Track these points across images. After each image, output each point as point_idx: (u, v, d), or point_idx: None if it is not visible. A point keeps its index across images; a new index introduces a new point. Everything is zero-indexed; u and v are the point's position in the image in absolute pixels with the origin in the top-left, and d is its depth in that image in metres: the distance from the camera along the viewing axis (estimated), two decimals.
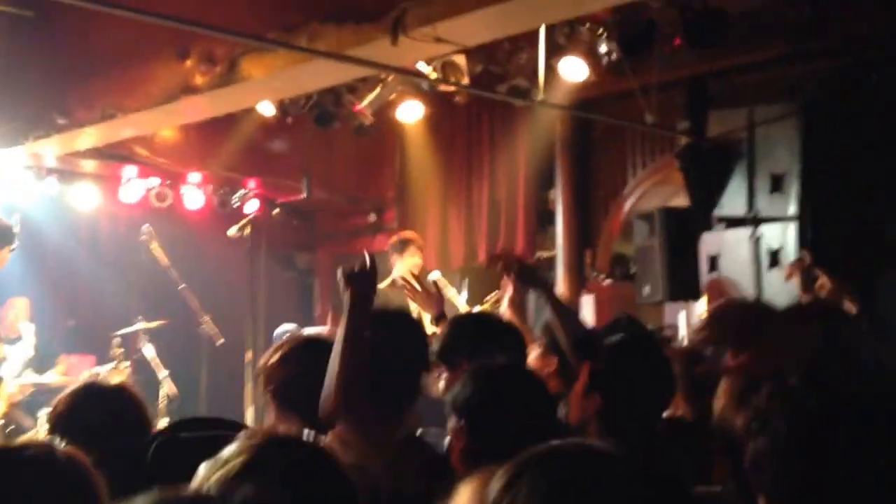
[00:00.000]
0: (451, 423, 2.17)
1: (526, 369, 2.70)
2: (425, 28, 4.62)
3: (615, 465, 1.12)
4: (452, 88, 6.62)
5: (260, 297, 7.95)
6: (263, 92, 5.75)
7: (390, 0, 4.62)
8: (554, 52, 5.86)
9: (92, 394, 2.61)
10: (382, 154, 8.10)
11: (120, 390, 2.68)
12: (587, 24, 5.82)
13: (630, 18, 5.77)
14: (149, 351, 6.62)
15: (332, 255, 8.78)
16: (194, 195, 7.98)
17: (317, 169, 8.02)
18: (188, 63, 5.39)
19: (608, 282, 6.85)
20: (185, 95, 5.49)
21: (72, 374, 6.64)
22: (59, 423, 2.51)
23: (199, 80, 5.39)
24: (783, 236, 5.41)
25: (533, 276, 3.38)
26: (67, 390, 2.61)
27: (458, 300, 6.58)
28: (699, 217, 5.97)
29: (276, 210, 7.94)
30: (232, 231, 6.86)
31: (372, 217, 8.42)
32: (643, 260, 6.18)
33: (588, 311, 6.61)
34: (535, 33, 5.59)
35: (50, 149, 6.75)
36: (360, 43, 4.81)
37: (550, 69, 5.84)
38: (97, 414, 2.52)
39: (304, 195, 7.97)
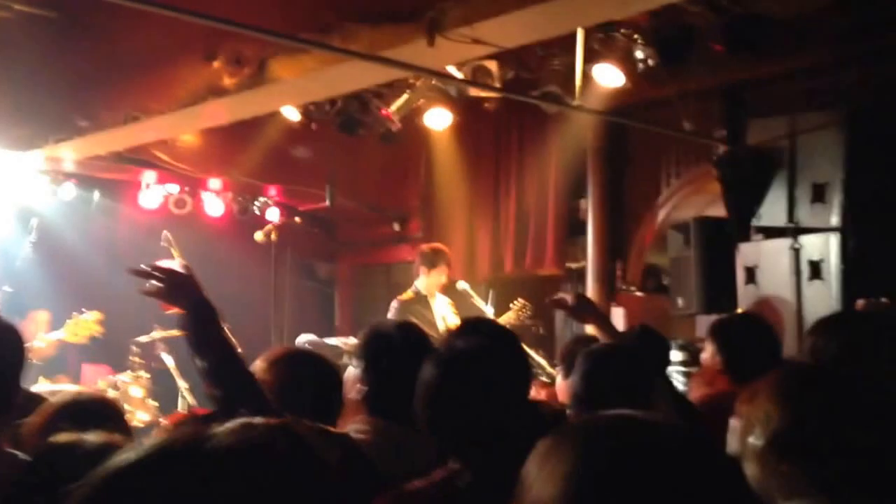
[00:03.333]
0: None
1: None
2: (463, 29, 4.47)
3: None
4: (482, 94, 6.47)
5: (281, 306, 7.79)
6: (293, 94, 5.60)
7: (427, 0, 4.47)
8: (588, 57, 5.71)
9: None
10: (407, 162, 7.94)
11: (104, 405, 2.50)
12: (623, 30, 5.67)
13: (668, 24, 5.62)
14: (169, 360, 6.46)
15: (354, 265, 8.64)
16: (214, 202, 7.83)
17: (340, 177, 7.87)
18: (215, 65, 5.24)
19: (640, 294, 6.67)
20: (212, 98, 5.34)
21: (87, 382, 6.49)
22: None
23: (226, 81, 5.25)
24: (825, 247, 5.25)
25: (587, 309, 3.29)
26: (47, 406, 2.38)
27: (486, 310, 6.42)
28: (736, 227, 5.81)
29: (298, 218, 7.79)
30: (258, 236, 6.70)
31: (395, 226, 8.26)
32: (677, 271, 6.01)
33: (618, 324, 6.42)
34: (569, 39, 5.44)
35: (69, 153, 6.62)
36: (395, 44, 4.67)
37: (584, 75, 5.69)
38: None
39: (326, 203, 7.81)
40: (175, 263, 2.51)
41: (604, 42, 5.78)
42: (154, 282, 2.31)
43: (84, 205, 7.33)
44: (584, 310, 3.23)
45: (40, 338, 5.57)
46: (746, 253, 5.66)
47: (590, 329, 3.30)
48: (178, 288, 2.33)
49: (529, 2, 4.19)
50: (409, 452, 2.33)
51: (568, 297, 3.27)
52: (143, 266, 2.35)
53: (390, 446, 2.39)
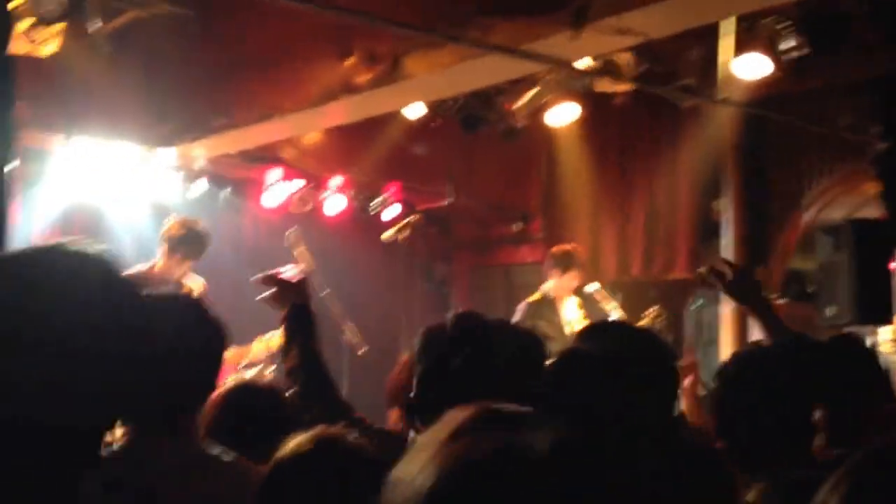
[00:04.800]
0: None
1: None
2: (609, 19, 4.27)
3: None
4: (610, 89, 6.24)
5: (400, 303, 7.74)
6: (426, 90, 5.51)
7: None
8: (729, 47, 5.42)
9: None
10: (529, 160, 7.76)
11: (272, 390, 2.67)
12: (770, 17, 5.35)
13: (819, 11, 5.28)
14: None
15: (471, 266, 8.51)
16: (335, 199, 7.83)
17: (459, 174, 7.75)
18: (349, 62, 5.19)
19: (783, 301, 6.30)
20: (345, 95, 5.29)
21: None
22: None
23: (359, 79, 5.19)
24: None
25: (749, 289, 2.93)
26: (220, 389, 2.53)
27: (615, 315, 6.19)
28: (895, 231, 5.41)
29: (417, 216, 7.70)
30: (387, 234, 6.66)
31: (516, 226, 8.08)
32: (827, 278, 5.62)
33: (757, 333, 6.09)
34: (706, 28, 5.16)
35: (202, 150, 6.71)
36: (535, 37, 4.51)
37: (725, 66, 5.40)
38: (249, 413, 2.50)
39: (446, 201, 7.70)
40: (292, 269, 2.69)
41: (748, 30, 5.49)
42: (268, 291, 2.54)
43: (212, 202, 7.41)
44: (745, 288, 2.80)
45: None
46: None
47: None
48: (286, 294, 2.53)
49: None
50: None
51: (727, 269, 2.83)
52: (260, 275, 2.59)
53: None
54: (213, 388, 2.02)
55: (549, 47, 4.57)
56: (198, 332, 1.92)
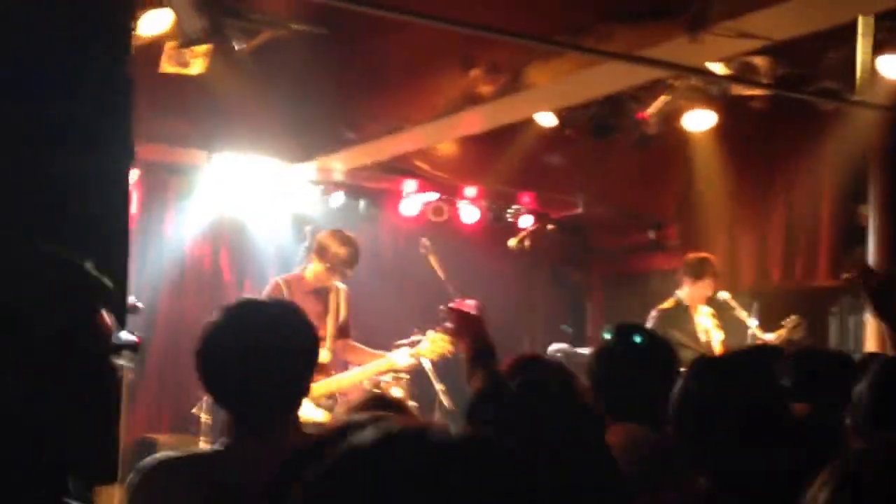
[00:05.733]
0: None
1: None
2: (729, 22, 4.19)
3: None
4: (748, 93, 6.06)
5: (535, 313, 7.78)
6: (548, 99, 5.56)
7: None
8: (873, 47, 5.16)
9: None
10: (664, 167, 7.62)
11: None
12: None
13: None
14: (426, 363, 6.62)
15: (606, 274, 8.44)
16: (470, 209, 7.97)
17: (593, 183, 7.72)
18: (472, 73, 5.31)
19: None
20: (470, 106, 5.42)
21: None
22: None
23: (483, 89, 5.30)
24: None
25: (889, 304, 2.80)
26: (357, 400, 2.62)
27: (749, 323, 6.00)
28: None
29: (551, 225, 7.73)
30: (512, 243, 6.73)
31: (651, 234, 7.96)
32: None
33: None
34: (847, 28, 4.93)
35: (338, 163, 7.01)
36: (654, 42, 4.47)
37: (868, 67, 5.14)
38: None
39: (579, 210, 7.69)
40: (470, 305, 3.08)
41: (892, 29, 5.21)
42: (449, 322, 2.94)
43: (351, 213, 7.72)
44: (887, 300, 2.71)
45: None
46: None
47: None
48: (466, 328, 2.85)
49: None
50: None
51: (872, 276, 2.77)
52: (442, 307, 3.05)
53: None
54: (307, 389, 2.02)
55: (670, 52, 4.52)
56: (292, 334, 1.97)
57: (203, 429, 5.94)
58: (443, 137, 6.69)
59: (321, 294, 5.50)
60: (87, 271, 1.21)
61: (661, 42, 4.43)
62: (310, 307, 5.26)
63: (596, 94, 5.61)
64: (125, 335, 1.22)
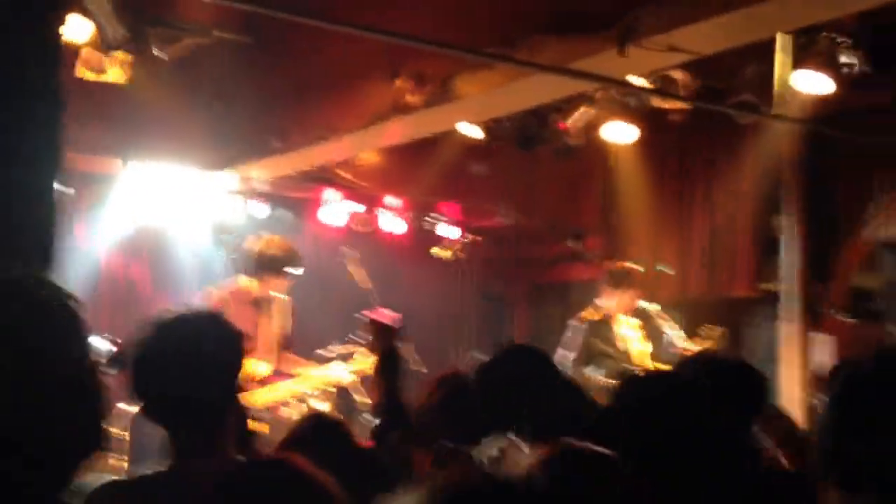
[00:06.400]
0: None
1: None
2: (658, 37, 4.25)
3: None
4: (667, 106, 6.17)
5: (459, 323, 7.75)
6: (476, 110, 5.55)
7: (620, 8, 4.28)
8: (787, 63, 5.32)
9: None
10: (586, 178, 7.72)
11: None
12: (828, 32, 5.23)
13: (880, 23, 5.15)
14: (349, 377, 6.52)
15: (529, 283, 8.48)
16: (393, 219, 7.91)
17: (516, 193, 7.76)
18: (399, 83, 5.26)
19: (851, 320, 6.12)
20: (396, 116, 5.36)
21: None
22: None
23: (410, 99, 5.25)
24: None
25: None
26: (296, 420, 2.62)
27: (675, 335, 6.09)
28: None
29: (475, 236, 7.73)
30: (443, 253, 6.69)
31: (572, 244, 8.03)
32: (894, 295, 5.47)
33: (824, 354, 5.93)
34: (764, 44, 5.08)
35: (262, 172, 6.86)
36: (583, 55, 4.51)
37: (784, 82, 5.30)
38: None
39: (502, 220, 7.71)
40: (387, 315, 3.15)
41: (806, 46, 5.38)
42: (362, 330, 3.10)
43: (273, 222, 7.56)
44: None
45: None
46: None
47: None
48: (379, 337, 2.95)
49: (733, 6, 3.92)
50: None
51: None
52: (359, 315, 3.16)
53: None
54: (233, 400, 2.01)
55: (599, 65, 4.56)
56: (222, 346, 1.94)
57: (115, 444, 5.67)
58: (368, 146, 6.62)
59: (260, 305, 5.36)
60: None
61: (590, 55, 4.47)
62: (248, 318, 5.14)
63: (524, 106, 5.63)
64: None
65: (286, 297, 5.52)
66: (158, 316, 1.96)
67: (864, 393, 1.81)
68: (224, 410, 1.96)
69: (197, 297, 5.36)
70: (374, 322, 2.99)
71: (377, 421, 2.93)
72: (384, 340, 2.94)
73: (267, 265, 5.32)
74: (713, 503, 1.89)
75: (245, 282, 5.39)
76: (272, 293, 5.50)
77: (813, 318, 6.27)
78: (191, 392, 1.88)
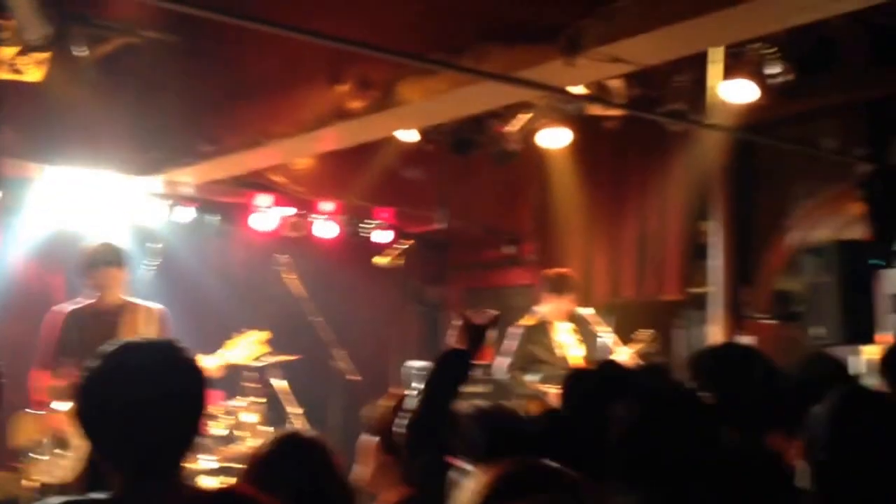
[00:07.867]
0: None
1: None
2: (602, 47, 4.31)
3: None
4: (601, 113, 6.29)
5: (394, 329, 7.71)
6: (420, 117, 5.53)
7: (566, 19, 4.33)
8: (716, 73, 5.48)
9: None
10: (522, 183, 7.78)
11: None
12: (756, 43, 5.42)
13: (806, 36, 5.35)
14: (281, 385, 6.41)
15: (466, 289, 8.50)
16: (327, 225, 7.82)
17: (453, 198, 7.76)
18: (341, 88, 5.20)
19: (771, 321, 6.35)
20: (337, 121, 5.30)
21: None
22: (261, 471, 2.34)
23: (352, 105, 5.20)
24: None
25: None
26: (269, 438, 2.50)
27: (607, 338, 6.20)
28: (880, 251, 5.47)
29: (411, 241, 7.71)
30: (382, 261, 6.64)
31: (508, 249, 8.09)
32: (814, 298, 5.68)
33: None
34: (695, 55, 5.22)
35: (189, 177, 6.68)
36: (529, 64, 4.54)
37: (713, 92, 5.46)
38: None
39: (438, 225, 7.71)
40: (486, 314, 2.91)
41: (734, 57, 5.55)
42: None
43: (200, 228, 7.37)
44: None
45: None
46: (891, 279, 5.34)
47: None
48: (474, 336, 2.83)
49: (676, 19, 4.01)
50: None
51: None
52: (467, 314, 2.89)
53: None
54: (197, 432, 1.86)
55: (544, 74, 4.60)
56: (175, 376, 1.82)
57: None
58: (306, 152, 6.52)
59: (110, 315, 5.11)
60: None
61: (536, 64, 4.50)
62: (96, 331, 4.86)
63: (468, 113, 5.65)
64: None
65: (154, 306, 5.29)
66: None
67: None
68: (182, 447, 1.82)
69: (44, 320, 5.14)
70: (469, 325, 2.78)
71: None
72: (473, 338, 2.74)
73: (88, 265, 5.13)
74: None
75: (91, 293, 5.20)
76: (132, 300, 5.26)
77: (737, 320, 6.48)
78: (146, 433, 1.75)
